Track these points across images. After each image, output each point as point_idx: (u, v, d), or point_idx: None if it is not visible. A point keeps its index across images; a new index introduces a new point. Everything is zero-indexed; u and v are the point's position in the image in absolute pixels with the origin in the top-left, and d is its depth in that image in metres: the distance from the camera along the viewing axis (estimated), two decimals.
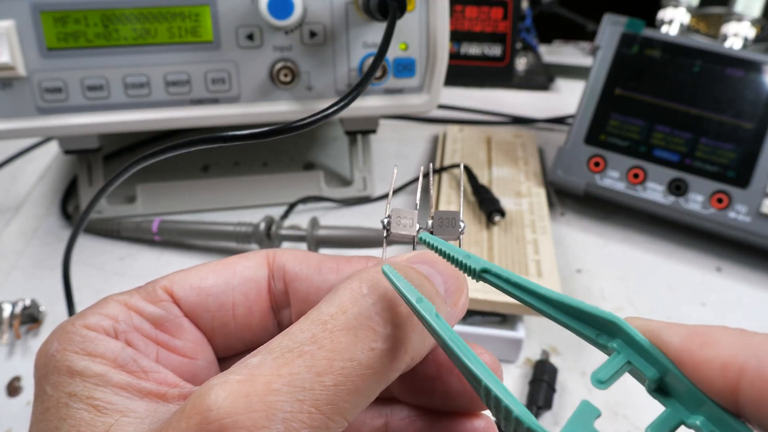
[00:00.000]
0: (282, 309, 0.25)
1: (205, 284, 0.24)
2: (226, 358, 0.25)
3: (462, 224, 0.23)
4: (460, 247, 0.25)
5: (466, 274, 0.22)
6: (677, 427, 0.18)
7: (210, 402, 0.17)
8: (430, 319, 0.19)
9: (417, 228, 0.24)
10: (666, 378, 0.18)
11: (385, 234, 0.24)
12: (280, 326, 0.25)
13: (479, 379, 0.18)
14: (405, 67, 0.59)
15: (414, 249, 0.24)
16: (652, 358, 0.18)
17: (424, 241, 0.23)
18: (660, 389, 0.18)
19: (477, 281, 0.21)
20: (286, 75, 0.57)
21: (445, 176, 0.67)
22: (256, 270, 0.25)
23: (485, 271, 0.21)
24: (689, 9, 0.67)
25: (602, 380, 0.18)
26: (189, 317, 0.24)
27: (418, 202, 0.25)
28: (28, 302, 0.52)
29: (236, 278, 0.24)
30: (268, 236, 0.59)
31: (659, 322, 0.18)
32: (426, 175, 0.50)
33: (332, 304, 0.19)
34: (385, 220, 0.24)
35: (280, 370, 0.18)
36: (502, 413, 0.18)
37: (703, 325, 0.18)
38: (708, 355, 0.17)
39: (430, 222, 0.25)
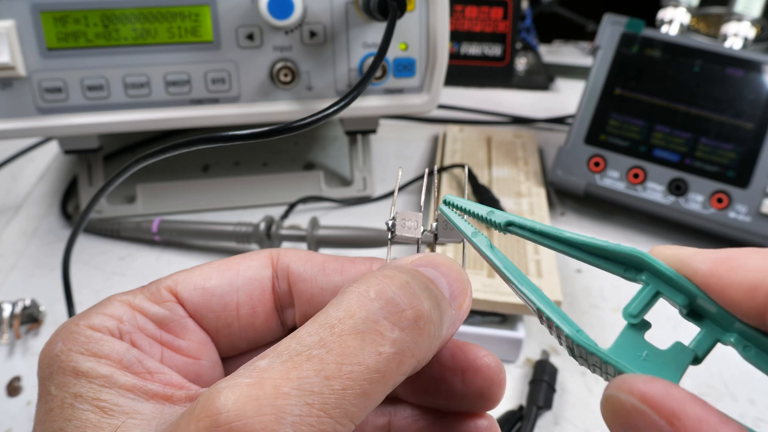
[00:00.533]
0: (285, 309, 0.25)
1: (209, 284, 0.24)
2: (229, 358, 0.25)
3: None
4: (464, 250, 0.25)
5: (469, 279, 0.22)
6: (713, 345, 0.18)
7: (219, 405, 0.17)
8: (485, 250, 0.22)
9: (421, 230, 0.24)
10: (697, 302, 0.19)
11: (389, 236, 0.24)
12: (284, 326, 0.25)
13: (533, 302, 0.20)
14: (405, 67, 0.59)
15: (418, 251, 0.24)
16: (679, 285, 0.19)
17: (448, 202, 0.23)
18: (693, 313, 0.19)
19: (504, 234, 0.22)
20: (286, 75, 0.56)
21: (445, 176, 0.67)
22: (259, 270, 0.24)
23: (510, 224, 0.22)
24: (689, 9, 0.67)
25: (633, 314, 0.19)
26: (193, 317, 0.24)
27: (422, 204, 0.25)
28: (28, 302, 0.52)
29: (240, 278, 0.24)
30: (268, 236, 0.59)
31: (688, 249, 0.19)
32: (431, 173, 0.50)
33: (340, 308, 0.19)
34: (390, 222, 0.24)
35: (289, 373, 0.18)
36: (554, 332, 0.20)
37: (731, 249, 0.18)
38: (735, 278, 0.17)
39: (434, 224, 0.25)
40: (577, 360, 0.20)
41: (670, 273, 0.19)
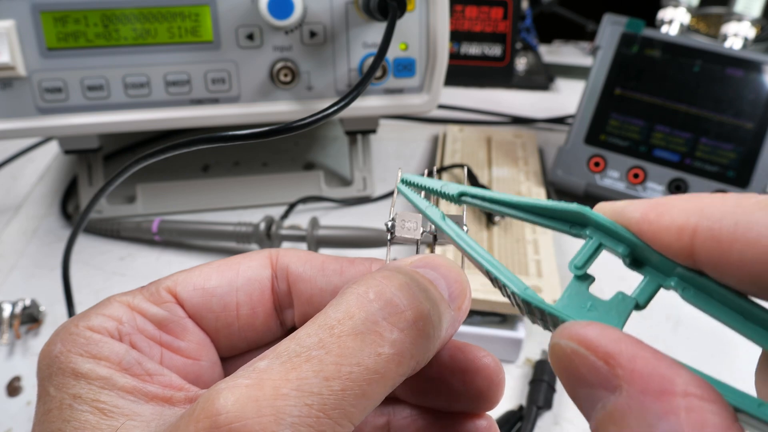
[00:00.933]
0: (285, 309, 0.25)
1: (208, 285, 0.24)
2: (229, 359, 0.25)
3: (465, 228, 0.24)
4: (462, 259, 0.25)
5: (468, 280, 0.22)
6: (656, 291, 0.19)
7: (219, 406, 0.17)
8: (438, 221, 0.22)
9: (421, 231, 0.24)
10: (637, 250, 0.19)
11: (389, 237, 0.24)
12: (283, 326, 0.25)
13: (483, 266, 0.21)
14: (405, 67, 0.59)
15: (417, 252, 0.24)
16: (619, 235, 0.19)
17: (405, 181, 0.24)
18: (635, 262, 0.20)
19: (459, 205, 0.23)
20: (286, 75, 0.56)
21: (445, 176, 0.67)
22: (259, 270, 0.24)
23: (463, 194, 0.22)
24: (689, 9, 0.67)
25: (579, 266, 0.20)
26: (193, 318, 0.24)
27: None
28: (28, 302, 0.52)
29: (240, 278, 0.24)
30: (268, 236, 0.59)
31: (623, 201, 0.20)
32: (430, 174, 0.50)
33: (339, 309, 0.19)
34: (389, 224, 0.24)
35: (288, 374, 0.18)
36: (505, 291, 0.20)
37: (662, 197, 0.19)
38: (664, 222, 0.18)
39: (433, 226, 0.25)
40: (529, 318, 0.21)
41: (609, 224, 0.19)
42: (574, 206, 0.20)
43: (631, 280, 0.22)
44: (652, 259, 0.19)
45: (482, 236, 0.57)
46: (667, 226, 0.18)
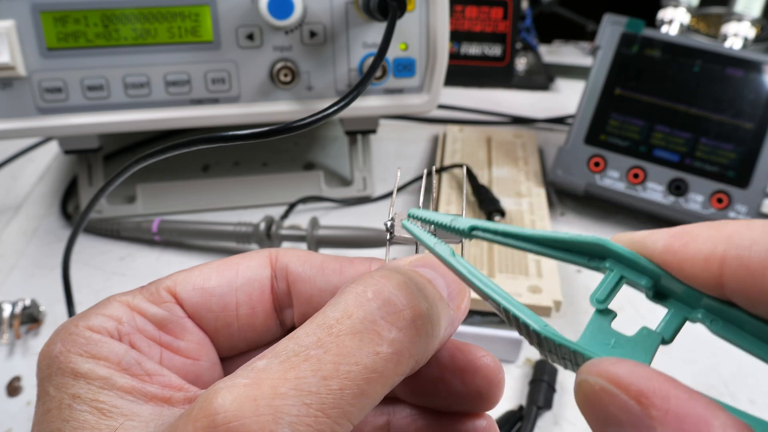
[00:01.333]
0: (284, 309, 0.25)
1: (208, 285, 0.24)
2: (229, 358, 0.25)
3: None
4: (462, 251, 0.25)
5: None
6: (682, 324, 0.19)
7: (217, 405, 0.17)
8: (448, 259, 0.21)
9: None
10: (661, 282, 0.19)
11: (388, 236, 0.24)
12: (283, 326, 0.25)
13: (498, 303, 0.20)
14: (405, 67, 0.59)
15: (417, 252, 0.24)
16: (641, 267, 0.19)
17: (412, 215, 0.23)
18: (659, 294, 0.19)
19: (470, 240, 0.22)
20: (286, 75, 0.57)
21: (445, 176, 0.67)
22: (258, 270, 0.24)
23: (474, 228, 0.22)
24: (689, 9, 0.67)
25: (601, 299, 0.19)
26: (192, 318, 0.24)
27: (421, 205, 0.25)
28: (28, 302, 0.52)
29: (239, 278, 0.24)
30: (268, 236, 0.59)
31: (642, 231, 0.19)
32: (429, 174, 0.50)
33: (337, 309, 0.19)
34: (388, 223, 0.24)
35: (287, 373, 0.18)
36: (523, 330, 0.20)
37: (683, 225, 0.18)
38: (690, 252, 0.17)
39: (432, 226, 0.25)
40: (548, 357, 0.20)
41: (631, 255, 0.19)
42: (592, 238, 0.19)
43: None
44: (676, 291, 0.18)
45: None
46: (693, 255, 0.17)
